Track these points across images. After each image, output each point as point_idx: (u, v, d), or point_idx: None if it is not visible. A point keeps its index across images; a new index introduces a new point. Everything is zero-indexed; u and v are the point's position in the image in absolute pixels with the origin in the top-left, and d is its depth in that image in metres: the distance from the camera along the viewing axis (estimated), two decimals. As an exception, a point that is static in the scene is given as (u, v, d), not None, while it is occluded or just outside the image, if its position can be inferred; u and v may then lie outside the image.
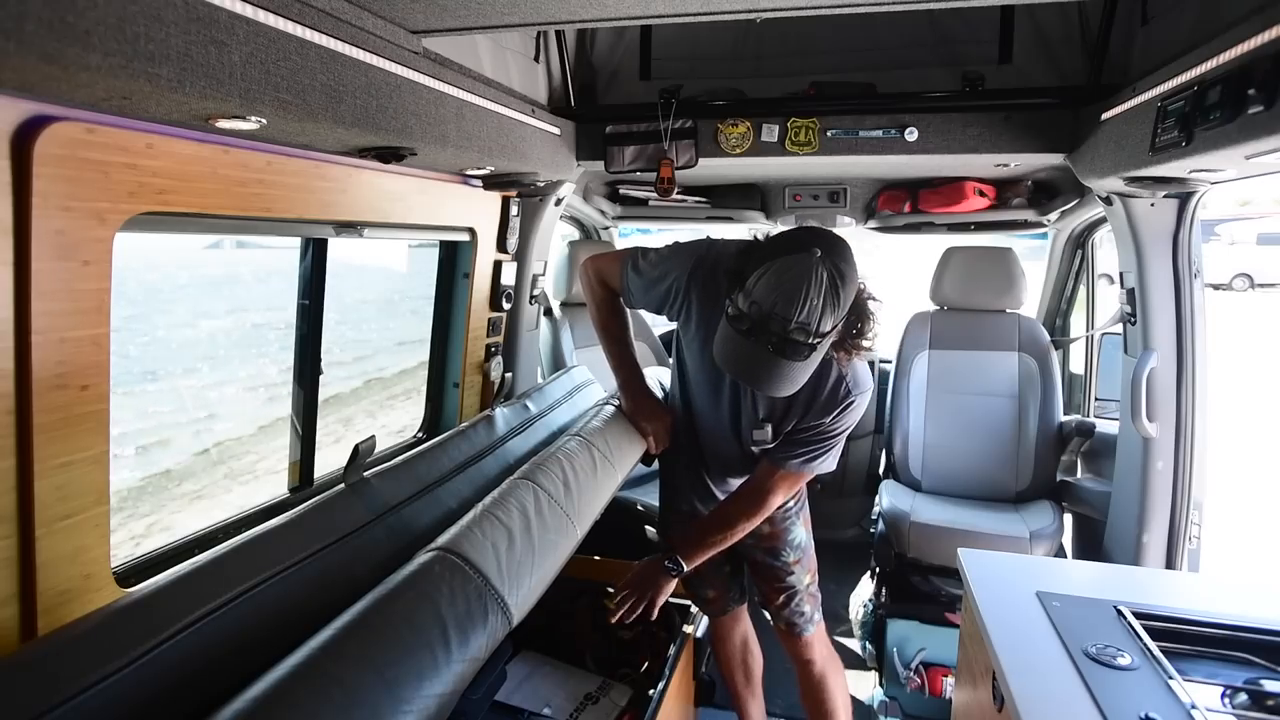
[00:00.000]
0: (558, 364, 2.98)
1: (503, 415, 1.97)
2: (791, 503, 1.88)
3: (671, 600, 2.26)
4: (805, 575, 1.91)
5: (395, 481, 1.52)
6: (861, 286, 1.39)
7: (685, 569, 1.69)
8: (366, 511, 1.40)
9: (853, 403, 1.58)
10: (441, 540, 1.23)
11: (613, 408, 1.87)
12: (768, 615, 1.99)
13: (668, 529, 2.03)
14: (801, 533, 1.92)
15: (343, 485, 1.43)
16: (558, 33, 2.31)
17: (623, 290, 1.76)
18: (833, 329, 1.31)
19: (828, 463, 1.65)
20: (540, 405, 2.14)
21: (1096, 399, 3.04)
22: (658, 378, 2.03)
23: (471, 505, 1.38)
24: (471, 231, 2.26)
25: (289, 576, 1.19)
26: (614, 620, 1.68)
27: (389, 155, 1.59)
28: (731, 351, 1.34)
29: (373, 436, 1.47)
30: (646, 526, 2.55)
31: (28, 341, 1.06)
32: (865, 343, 1.43)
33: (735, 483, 1.86)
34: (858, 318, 1.40)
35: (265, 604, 1.13)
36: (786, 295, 1.25)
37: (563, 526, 1.40)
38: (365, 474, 1.47)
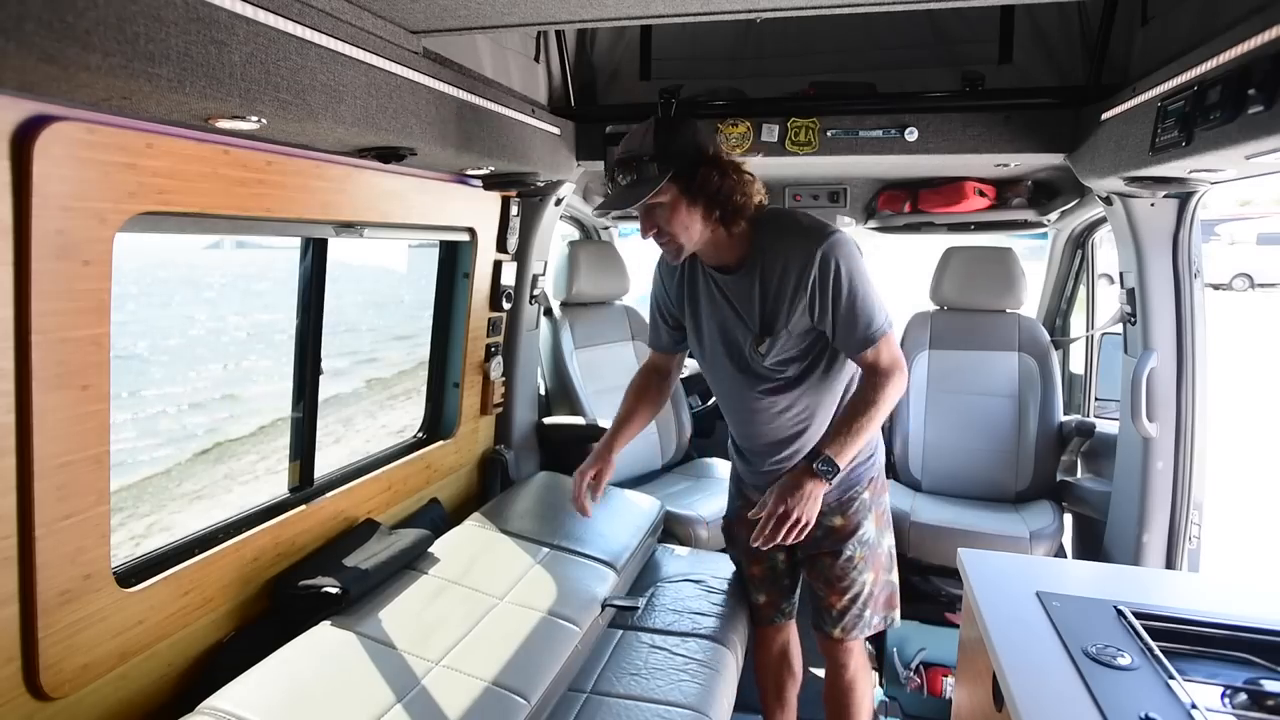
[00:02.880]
0: (558, 364, 2.98)
1: None
2: (867, 495, 1.82)
3: None
4: (869, 574, 1.82)
5: None
6: (717, 152, 1.56)
7: (840, 467, 1.58)
8: None
9: (827, 240, 1.56)
10: None
11: None
12: (815, 623, 1.90)
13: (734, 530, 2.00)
14: (872, 529, 1.82)
15: None
16: (558, 33, 2.31)
17: (651, 334, 1.92)
18: (659, 150, 1.52)
19: (881, 311, 1.61)
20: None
21: (1096, 399, 3.04)
22: None
23: None
24: (471, 231, 2.26)
25: None
26: (759, 544, 1.56)
27: (389, 155, 1.59)
28: (608, 199, 1.62)
29: None
30: None
31: (28, 341, 1.06)
32: (736, 197, 1.54)
33: (780, 454, 1.78)
34: (712, 170, 1.53)
35: None
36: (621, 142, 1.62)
37: None
38: None
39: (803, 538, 1.58)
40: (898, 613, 1.90)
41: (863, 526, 1.81)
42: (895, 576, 1.90)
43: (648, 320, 1.97)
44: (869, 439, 1.65)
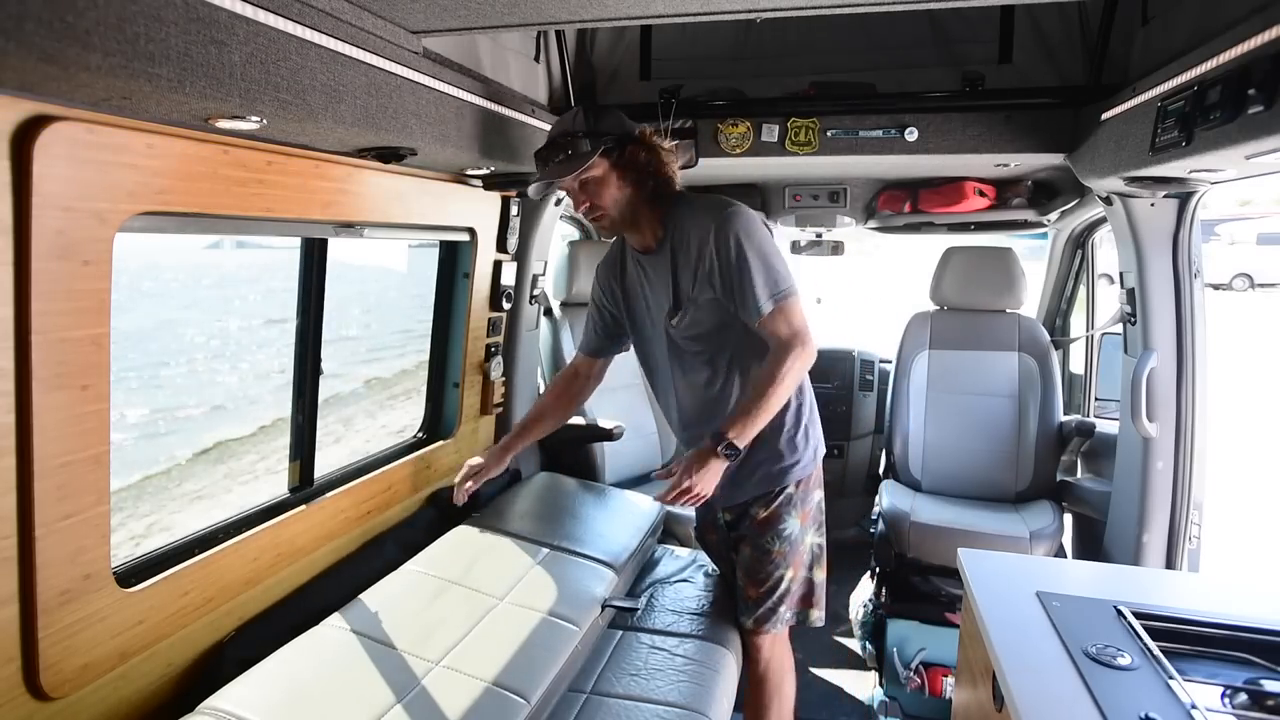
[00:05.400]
0: (557, 364, 2.98)
1: None
2: (793, 490, 1.82)
3: None
4: (787, 570, 1.83)
5: None
6: (641, 130, 1.72)
7: (741, 450, 1.61)
8: None
9: (724, 212, 1.67)
10: None
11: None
12: (740, 617, 1.91)
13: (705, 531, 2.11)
14: (795, 525, 1.83)
15: None
16: (558, 33, 2.31)
17: (584, 337, 2.04)
18: (590, 129, 1.66)
19: (782, 279, 1.66)
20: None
21: (1096, 399, 3.04)
22: None
23: None
24: (471, 231, 2.26)
25: None
26: (663, 499, 1.63)
27: (389, 155, 1.59)
28: (543, 173, 1.76)
29: None
30: None
31: (28, 341, 1.06)
32: (665, 169, 1.70)
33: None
34: (639, 147, 1.70)
35: None
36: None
37: None
38: None
39: (699, 504, 1.66)
40: (818, 612, 1.90)
41: (784, 521, 1.83)
42: (820, 576, 1.90)
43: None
44: (772, 414, 1.66)
